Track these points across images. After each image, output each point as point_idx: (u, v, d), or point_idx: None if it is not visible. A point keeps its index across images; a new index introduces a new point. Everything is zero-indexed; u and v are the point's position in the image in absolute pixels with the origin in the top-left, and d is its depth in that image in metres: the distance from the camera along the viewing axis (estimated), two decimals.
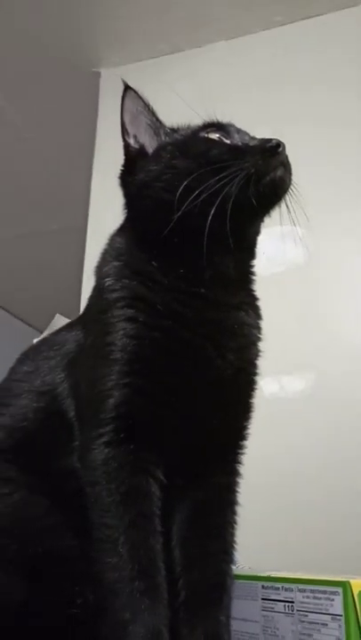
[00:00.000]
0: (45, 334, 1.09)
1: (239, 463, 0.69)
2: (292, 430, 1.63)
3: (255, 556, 1.24)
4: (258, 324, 0.71)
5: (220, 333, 0.65)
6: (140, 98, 0.71)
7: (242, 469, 0.70)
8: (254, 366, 0.69)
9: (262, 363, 1.39)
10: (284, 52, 1.85)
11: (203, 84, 2.19)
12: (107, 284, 0.67)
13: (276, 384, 1.75)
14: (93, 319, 0.68)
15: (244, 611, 0.70)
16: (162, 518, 0.60)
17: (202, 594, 0.61)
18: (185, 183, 0.63)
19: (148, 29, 1.96)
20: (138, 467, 0.60)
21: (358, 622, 0.58)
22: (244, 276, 0.71)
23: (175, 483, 0.64)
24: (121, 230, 0.72)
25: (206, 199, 0.62)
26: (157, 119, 0.73)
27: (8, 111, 2.37)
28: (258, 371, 0.69)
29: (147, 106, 0.72)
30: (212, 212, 0.62)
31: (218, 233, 0.63)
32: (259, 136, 0.71)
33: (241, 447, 0.69)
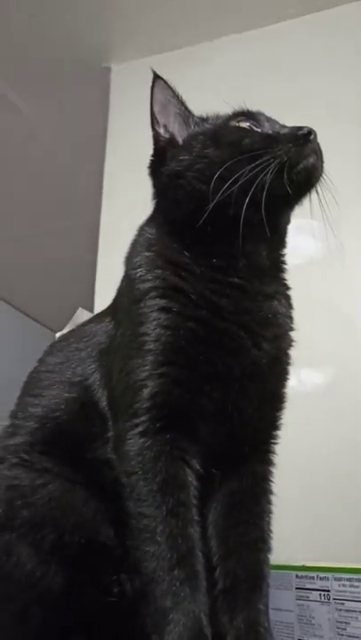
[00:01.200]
0: (68, 329, 1.09)
1: (273, 453, 0.69)
2: (310, 424, 1.63)
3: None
4: (290, 313, 0.71)
5: (255, 323, 0.64)
6: (169, 87, 0.71)
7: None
8: (288, 356, 0.69)
9: None
10: (298, 43, 1.84)
11: (215, 77, 2.19)
12: (138, 274, 0.67)
13: (295, 377, 1.74)
14: (125, 310, 0.68)
15: (277, 600, 0.70)
16: (198, 507, 0.60)
17: (240, 582, 0.61)
18: (219, 173, 0.63)
19: (159, 23, 1.96)
20: (174, 456, 0.60)
21: None
22: (277, 264, 0.71)
23: (211, 472, 0.64)
24: (151, 220, 0.72)
25: (240, 188, 0.62)
26: (187, 108, 0.72)
27: (22, 109, 2.38)
28: (291, 361, 0.69)
29: (176, 95, 0.72)
30: (247, 200, 0.62)
31: (252, 222, 0.63)
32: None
33: (275, 437, 0.69)
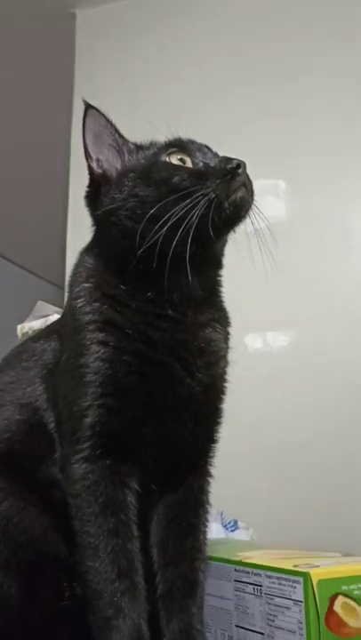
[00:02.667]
0: (28, 321, 1.12)
1: (211, 465, 0.74)
2: (275, 385, 1.70)
3: (239, 507, 1.33)
4: (226, 336, 0.74)
5: (188, 353, 0.68)
6: (102, 115, 0.72)
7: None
8: (223, 380, 0.73)
9: (247, 319, 1.43)
10: None
11: (180, 26, 2.12)
12: (78, 305, 0.70)
13: (260, 340, 1.80)
14: (68, 336, 0.72)
15: (220, 589, 0.78)
16: (138, 524, 0.66)
17: (177, 589, 0.68)
18: (150, 213, 0.65)
19: None
20: (114, 480, 0.66)
21: (316, 608, 0.65)
22: (211, 291, 0.74)
23: (150, 489, 0.69)
24: (90, 249, 0.74)
25: (170, 227, 0.64)
26: (120, 136, 0.73)
27: None
28: (227, 381, 0.74)
29: (109, 122, 0.72)
30: (177, 238, 0.64)
31: (182, 257, 0.65)
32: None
33: (212, 450, 0.74)
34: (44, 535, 0.70)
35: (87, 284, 0.71)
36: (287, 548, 0.91)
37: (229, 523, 1.35)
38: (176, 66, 2.07)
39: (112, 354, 0.67)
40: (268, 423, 1.66)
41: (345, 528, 1.50)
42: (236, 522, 1.36)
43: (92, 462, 0.66)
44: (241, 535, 1.34)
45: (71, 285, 0.74)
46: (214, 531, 1.25)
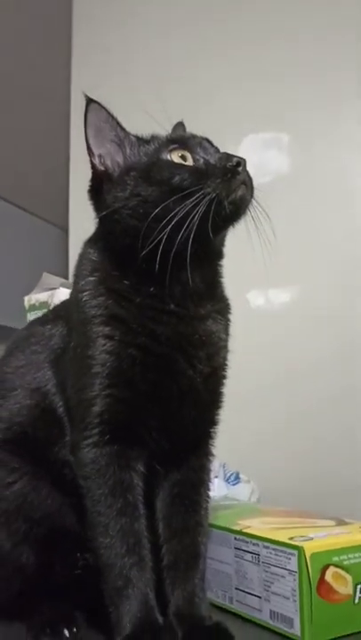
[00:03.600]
0: (35, 293, 1.15)
1: (212, 445, 0.79)
2: (277, 343, 1.73)
3: (241, 460, 1.39)
4: (226, 325, 0.77)
5: (190, 345, 0.71)
6: (104, 109, 0.72)
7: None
8: (223, 369, 0.76)
9: (249, 275, 1.42)
10: None
11: None
12: (84, 299, 0.72)
13: (262, 297, 1.83)
14: (75, 326, 0.75)
15: (221, 554, 0.84)
16: (144, 502, 0.71)
17: (181, 561, 0.73)
18: (153, 213, 0.66)
19: None
20: (122, 464, 0.70)
21: (309, 577, 0.71)
22: (212, 283, 0.76)
23: (155, 469, 0.74)
24: (95, 242, 0.76)
25: (173, 227, 0.66)
26: (122, 129, 0.73)
27: None
28: (228, 369, 0.77)
29: (110, 116, 0.72)
30: (178, 238, 0.66)
31: (183, 254, 0.67)
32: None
33: (213, 432, 0.78)
34: (57, 511, 0.76)
35: (92, 278, 0.73)
36: (286, 511, 0.97)
37: (231, 476, 1.42)
38: (175, 22, 2.00)
39: (117, 347, 0.70)
40: (271, 378, 1.70)
41: (345, 484, 1.56)
42: (237, 475, 1.42)
43: (100, 447, 0.70)
44: (242, 489, 1.40)
45: (76, 277, 0.76)
46: (216, 486, 1.32)
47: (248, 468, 1.42)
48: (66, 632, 0.70)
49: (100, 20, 2.17)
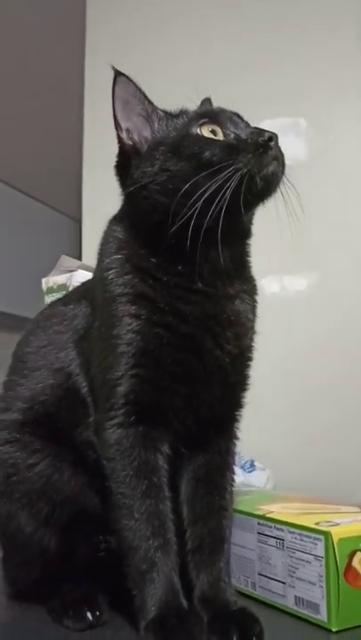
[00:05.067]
0: (53, 275, 1.13)
1: (237, 428, 0.78)
2: (292, 330, 1.71)
3: (258, 447, 1.38)
4: (254, 306, 0.76)
5: (217, 326, 0.70)
6: (132, 82, 0.70)
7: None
8: (250, 350, 0.75)
9: (265, 261, 1.42)
10: None
11: None
12: (109, 277, 0.71)
13: (278, 283, 1.81)
14: (100, 305, 0.73)
15: (243, 539, 0.83)
16: (169, 485, 0.70)
17: (206, 544, 0.72)
18: (182, 189, 0.65)
19: None
20: (147, 445, 0.69)
21: (336, 563, 0.69)
22: (241, 262, 0.75)
23: (180, 451, 0.73)
24: (120, 220, 0.74)
25: (203, 203, 0.64)
26: (149, 102, 0.72)
27: None
28: (254, 351, 0.76)
29: (138, 89, 0.71)
30: (209, 214, 0.64)
31: (213, 231, 0.66)
32: None
33: (239, 414, 0.77)
34: (80, 493, 0.74)
35: (118, 256, 0.72)
36: (307, 498, 0.95)
37: (246, 463, 1.40)
38: (189, 7, 1.97)
39: (144, 326, 0.68)
40: (286, 365, 1.68)
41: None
42: (253, 462, 1.41)
43: (125, 428, 0.69)
44: (258, 477, 1.39)
45: (101, 255, 0.75)
46: None
47: (263, 455, 1.41)
48: (89, 615, 0.69)
49: (114, 5, 2.15)
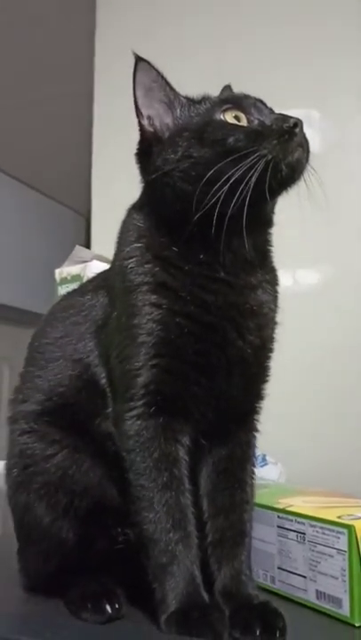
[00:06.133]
0: (66, 265, 1.12)
1: (257, 421, 0.76)
2: (305, 325, 1.70)
3: (270, 441, 1.37)
4: (275, 297, 0.75)
5: (240, 316, 0.69)
6: (153, 68, 0.69)
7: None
8: (272, 341, 0.74)
9: (277, 255, 1.41)
10: None
11: None
12: (130, 266, 0.70)
13: (291, 278, 1.79)
14: (119, 295, 0.72)
15: (262, 533, 0.82)
16: (190, 477, 0.69)
17: (227, 538, 0.71)
18: (206, 176, 0.64)
19: None
20: (167, 436, 0.68)
21: (359, 556, 0.68)
22: (263, 252, 0.74)
23: (200, 444, 0.72)
24: (140, 208, 0.73)
25: (227, 190, 0.63)
26: (171, 89, 0.70)
27: None
28: (275, 342, 0.74)
29: (160, 75, 0.69)
30: (233, 201, 0.63)
31: (237, 219, 0.65)
32: None
33: (259, 407, 0.76)
34: (98, 485, 0.73)
35: (138, 245, 0.70)
36: (326, 492, 0.94)
37: (258, 457, 1.39)
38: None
39: (165, 316, 0.67)
40: (297, 362, 1.67)
41: None
42: (264, 457, 1.40)
43: (145, 419, 0.68)
44: (270, 471, 1.38)
45: (120, 244, 0.73)
46: None
47: (274, 450, 1.40)
48: (108, 608, 0.68)
49: None
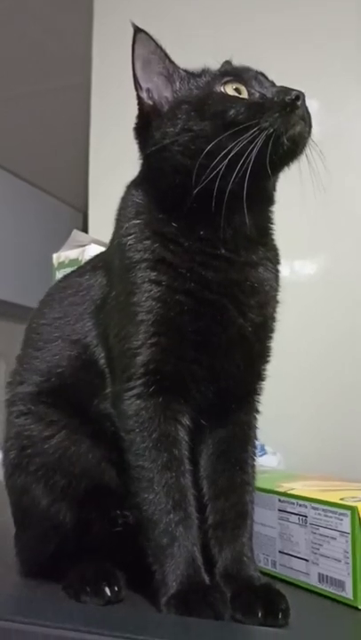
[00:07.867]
0: (64, 250, 1.11)
1: (258, 402, 0.75)
2: (303, 315, 1.69)
3: (268, 431, 1.36)
4: (277, 275, 0.73)
5: (241, 293, 0.68)
6: (152, 39, 0.68)
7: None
8: (273, 319, 0.73)
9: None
10: None
11: None
12: (128, 242, 0.69)
13: (288, 268, 1.78)
14: (117, 273, 0.71)
15: (263, 517, 0.81)
16: (190, 458, 0.68)
17: (228, 519, 0.70)
18: (205, 149, 0.62)
19: None
20: (167, 416, 0.67)
21: None
22: (264, 229, 0.72)
23: (200, 424, 0.71)
24: (138, 184, 0.72)
25: (228, 164, 0.62)
26: (170, 61, 0.69)
27: None
28: (276, 320, 0.73)
29: (158, 47, 0.68)
30: (233, 175, 0.62)
31: (237, 194, 0.63)
32: None
33: (260, 387, 0.75)
34: (97, 466, 0.72)
35: (137, 221, 0.69)
36: (326, 476, 0.93)
37: (257, 447, 1.38)
38: None
39: (165, 293, 0.66)
40: (295, 351, 1.66)
41: None
42: (263, 446, 1.39)
43: (144, 399, 0.67)
44: (269, 460, 1.38)
45: (119, 221, 0.72)
46: None
47: (273, 439, 1.39)
48: (107, 591, 0.66)
49: None
